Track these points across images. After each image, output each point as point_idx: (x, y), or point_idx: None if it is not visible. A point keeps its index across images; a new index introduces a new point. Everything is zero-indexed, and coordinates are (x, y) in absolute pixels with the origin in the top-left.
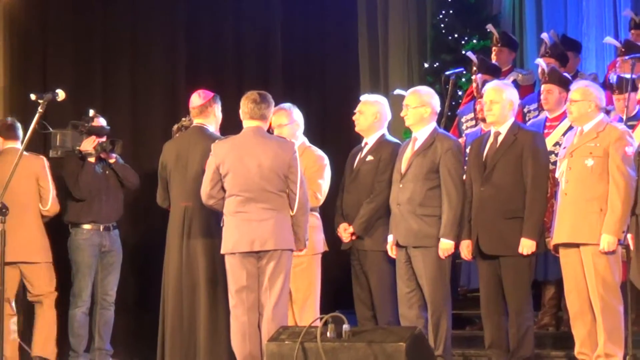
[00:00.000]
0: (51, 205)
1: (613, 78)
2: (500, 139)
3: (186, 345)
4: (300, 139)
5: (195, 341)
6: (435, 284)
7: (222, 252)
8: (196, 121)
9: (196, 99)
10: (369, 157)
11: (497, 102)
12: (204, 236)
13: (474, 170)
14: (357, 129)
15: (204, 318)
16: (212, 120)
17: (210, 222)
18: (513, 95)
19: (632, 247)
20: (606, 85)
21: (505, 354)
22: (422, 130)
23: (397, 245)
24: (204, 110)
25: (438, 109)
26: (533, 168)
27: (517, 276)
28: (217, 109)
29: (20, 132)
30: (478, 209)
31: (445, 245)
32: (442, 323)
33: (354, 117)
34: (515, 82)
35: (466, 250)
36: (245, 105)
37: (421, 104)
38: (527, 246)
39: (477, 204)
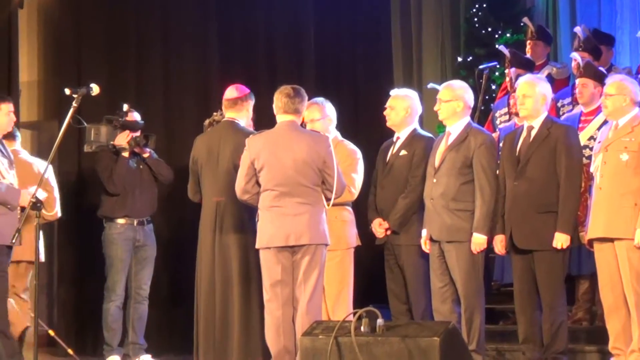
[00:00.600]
0: (56, 211)
1: None
2: (533, 133)
3: (220, 340)
4: (332, 134)
5: (229, 336)
6: (468, 279)
7: (257, 246)
8: (228, 115)
9: (232, 91)
10: (403, 152)
11: (530, 96)
12: (237, 231)
13: (508, 165)
14: (388, 124)
15: (238, 313)
16: (244, 115)
17: (243, 216)
18: (546, 89)
19: None
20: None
21: (539, 349)
22: (456, 124)
23: (431, 239)
24: (237, 103)
25: (471, 103)
26: (566, 162)
27: (551, 271)
28: (250, 106)
29: (18, 133)
30: (511, 203)
31: (478, 240)
32: (475, 318)
33: (384, 113)
34: (549, 76)
35: (500, 244)
36: (279, 100)
37: (454, 98)
38: (561, 240)
39: (510, 199)
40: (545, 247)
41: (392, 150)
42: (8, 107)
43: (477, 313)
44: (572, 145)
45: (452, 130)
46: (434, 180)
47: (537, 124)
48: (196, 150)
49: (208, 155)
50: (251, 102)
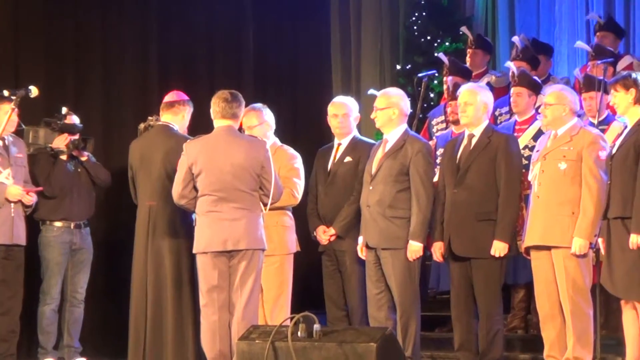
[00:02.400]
0: None
1: (578, 74)
2: (474, 141)
3: (151, 345)
4: (271, 139)
5: (161, 340)
6: (404, 286)
7: (194, 251)
8: (164, 118)
9: (171, 95)
10: (347, 159)
11: (471, 104)
12: (169, 235)
13: (448, 173)
14: (337, 132)
15: (171, 317)
16: (179, 120)
17: (175, 221)
18: (487, 97)
19: (602, 251)
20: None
21: (474, 357)
22: (393, 132)
23: (367, 246)
24: (174, 106)
25: (408, 110)
26: (506, 171)
27: (488, 279)
28: (187, 113)
29: None
30: (451, 210)
31: (414, 247)
32: (410, 324)
33: (330, 122)
34: (489, 85)
35: (438, 252)
36: (217, 105)
37: (389, 105)
38: (499, 248)
39: (449, 206)
40: (483, 255)
41: (334, 157)
42: None
43: (412, 320)
44: (512, 154)
45: (389, 138)
46: (371, 188)
47: (478, 132)
48: (131, 155)
49: (141, 159)
50: (189, 109)
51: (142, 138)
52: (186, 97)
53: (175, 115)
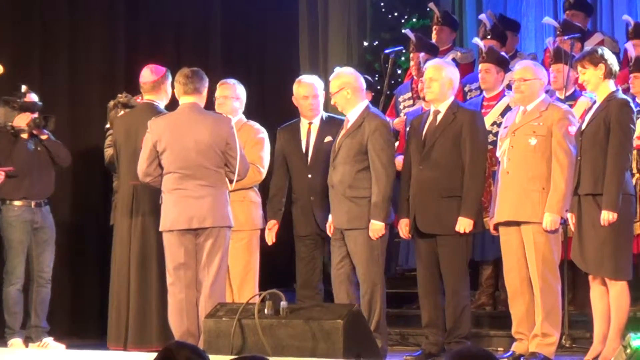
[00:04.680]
0: None
1: (550, 44)
2: (439, 117)
3: (135, 323)
4: (238, 115)
5: (146, 319)
6: (368, 264)
7: (160, 229)
8: (146, 97)
9: (148, 74)
10: (328, 138)
11: (436, 79)
12: (154, 214)
13: (413, 149)
14: (310, 114)
15: (155, 296)
16: (163, 97)
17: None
18: (453, 73)
19: (572, 227)
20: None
21: (442, 333)
22: (353, 111)
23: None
24: (156, 87)
25: (362, 85)
26: (471, 147)
27: (454, 255)
28: (169, 86)
29: None
30: (416, 187)
31: (376, 227)
32: (374, 301)
33: (303, 103)
34: (454, 61)
35: (404, 228)
36: (178, 82)
37: (341, 87)
38: (464, 225)
39: (415, 183)
40: (449, 231)
41: (308, 137)
42: None
43: (376, 297)
44: (477, 130)
45: (350, 117)
46: (332, 168)
47: (443, 108)
48: (115, 132)
49: (126, 137)
50: (169, 81)
51: (127, 115)
52: (163, 70)
53: (158, 93)
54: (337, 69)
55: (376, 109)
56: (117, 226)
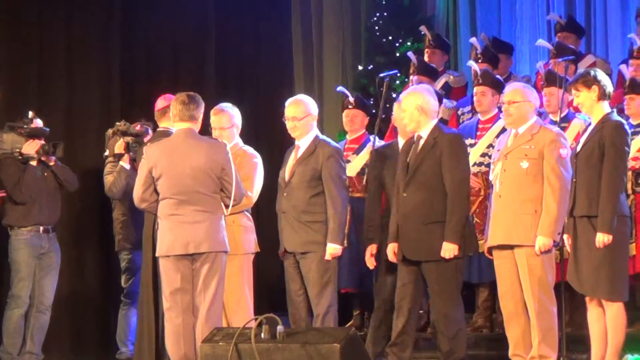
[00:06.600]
0: None
1: (541, 68)
2: (421, 143)
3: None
4: (235, 140)
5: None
6: (321, 288)
7: (157, 254)
8: (161, 124)
9: (161, 101)
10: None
11: (404, 110)
12: None
13: (400, 175)
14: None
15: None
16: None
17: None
18: (419, 98)
19: (568, 249)
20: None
21: (402, 355)
22: (304, 138)
23: (286, 251)
24: (167, 112)
25: (316, 113)
26: (452, 171)
27: (442, 280)
28: None
29: None
30: (400, 215)
31: (332, 250)
32: (328, 322)
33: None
34: (447, 84)
35: (391, 253)
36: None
37: (305, 113)
38: (448, 250)
39: (399, 210)
40: (434, 257)
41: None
42: None
43: (330, 317)
44: (456, 154)
45: (301, 144)
46: (285, 194)
47: (424, 133)
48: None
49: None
50: None
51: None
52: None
53: (169, 120)
54: (298, 97)
55: (325, 137)
56: (145, 254)
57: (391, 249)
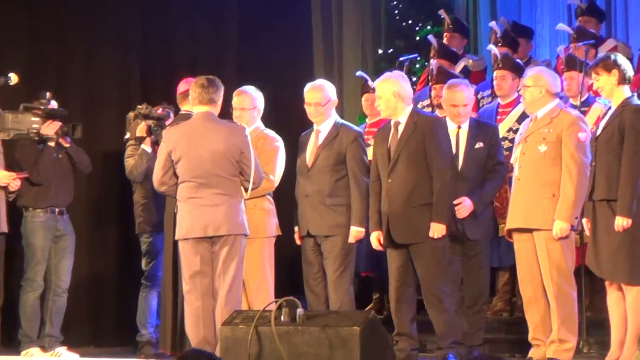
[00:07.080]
0: None
1: (562, 52)
2: (400, 128)
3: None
4: (256, 123)
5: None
6: (341, 271)
7: (176, 237)
8: (183, 108)
9: (182, 85)
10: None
11: (380, 96)
12: None
13: (380, 163)
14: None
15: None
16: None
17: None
18: (395, 84)
19: (588, 233)
20: (559, 69)
21: (411, 341)
22: (325, 123)
23: (308, 234)
24: (188, 95)
25: (335, 98)
26: (435, 154)
27: (431, 261)
28: None
29: None
30: (387, 201)
31: (357, 233)
32: (345, 305)
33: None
34: (466, 68)
35: (376, 241)
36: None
37: (324, 99)
38: (437, 230)
39: (385, 197)
40: (423, 239)
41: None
42: None
43: (346, 302)
44: (438, 136)
45: (321, 129)
46: (308, 178)
47: (403, 119)
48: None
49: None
50: None
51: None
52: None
53: (190, 103)
54: (317, 82)
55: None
56: (167, 234)
57: (375, 237)
